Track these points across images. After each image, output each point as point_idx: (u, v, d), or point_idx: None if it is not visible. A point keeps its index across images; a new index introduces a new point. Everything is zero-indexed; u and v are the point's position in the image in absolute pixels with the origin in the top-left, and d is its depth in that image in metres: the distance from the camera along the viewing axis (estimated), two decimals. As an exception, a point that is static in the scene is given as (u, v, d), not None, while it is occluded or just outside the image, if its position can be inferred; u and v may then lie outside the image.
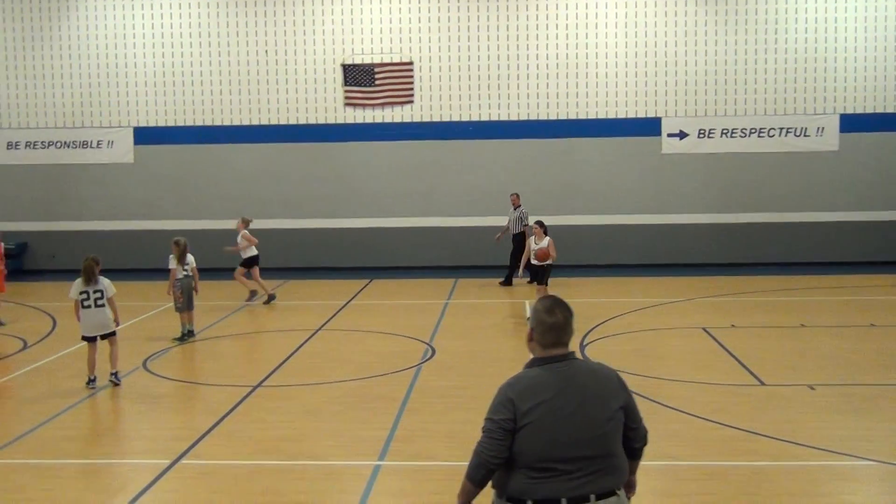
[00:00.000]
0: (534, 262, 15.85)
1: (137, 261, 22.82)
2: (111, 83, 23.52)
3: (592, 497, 4.27)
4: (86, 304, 11.81)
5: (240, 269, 18.61)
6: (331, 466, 8.73)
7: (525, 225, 19.87)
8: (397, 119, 23.18)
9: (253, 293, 18.60)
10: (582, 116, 22.91)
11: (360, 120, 23.20)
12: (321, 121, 23.25)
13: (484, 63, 22.93)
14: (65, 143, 23.70)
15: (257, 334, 15.57)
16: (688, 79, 22.76)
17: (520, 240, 19.60)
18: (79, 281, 11.80)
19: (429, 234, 23.11)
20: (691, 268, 22.35)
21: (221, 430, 9.90)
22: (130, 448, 9.61)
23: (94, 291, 11.80)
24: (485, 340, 14.64)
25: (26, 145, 23.73)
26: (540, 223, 16.14)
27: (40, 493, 8.14)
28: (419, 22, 22.98)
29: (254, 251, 18.59)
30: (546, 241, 15.79)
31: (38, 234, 23.46)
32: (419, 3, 22.96)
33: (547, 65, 22.83)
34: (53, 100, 23.67)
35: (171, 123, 23.46)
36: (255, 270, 18.59)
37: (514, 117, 23.00)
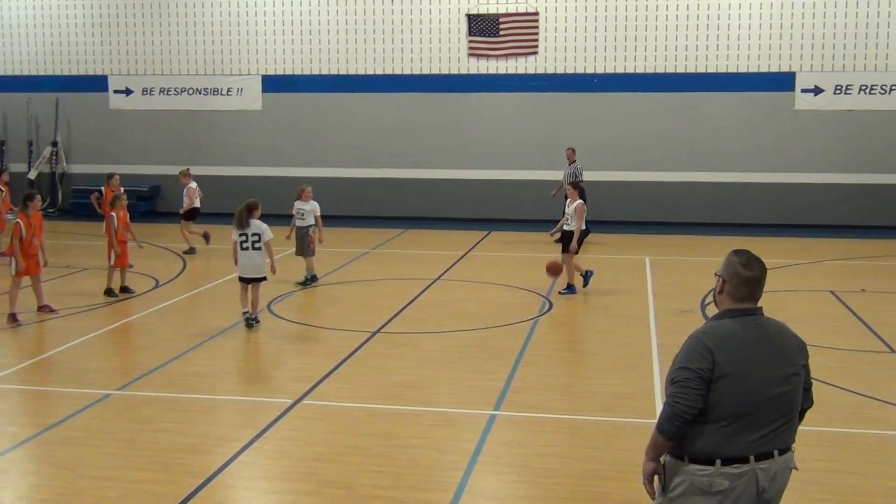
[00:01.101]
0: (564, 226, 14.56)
1: (263, 206, 23.28)
2: (241, 32, 24.00)
3: (776, 453, 4.24)
4: (243, 245, 12.20)
5: (184, 223, 18.62)
6: (447, 413, 8.84)
7: (579, 180, 19.66)
8: (521, 70, 22.96)
9: (206, 236, 18.70)
10: (711, 70, 22.23)
11: (483, 71, 23.08)
12: (444, 71, 23.23)
13: (611, 14, 22.43)
14: (196, 89, 24.37)
15: (377, 282, 15.80)
16: (825, 31, 21.78)
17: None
18: (234, 224, 12.22)
19: (549, 188, 22.91)
20: (821, 229, 21.55)
21: (341, 374, 10.13)
22: (254, 387, 9.93)
23: (252, 234, 12.15)
24: (603, 296, 14.48)
25: (160, 91, 24.50)
26: (575, 184, 14.90)
27: (170, 424, 8.51)
28: (546, -29, 22.61)
29: (196, 204, 18.75)
30: (575, 205, 14.20)
31: (170, 177, 24.25)
32: (547, -49, 22.58)
33: (676, 16, 22.18)
34: (186, 48, 24.32)
35: (297, 72, 23.82)
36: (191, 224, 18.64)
37: (639, 70, 22.49)
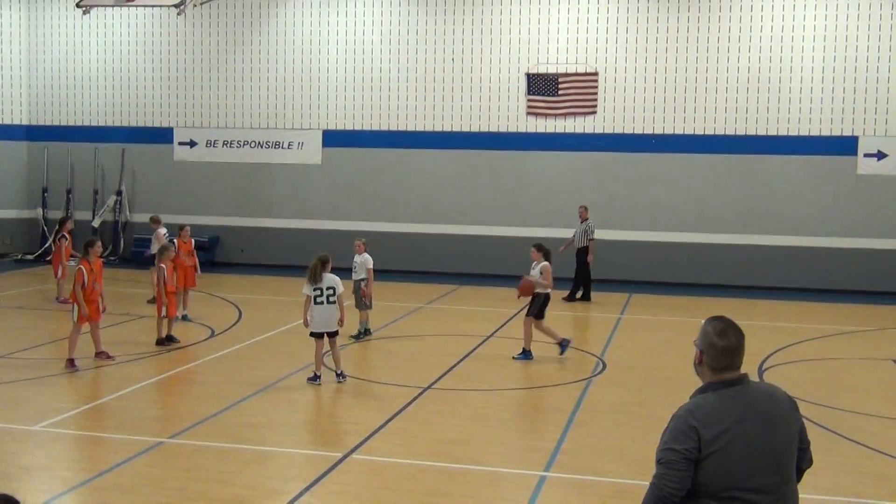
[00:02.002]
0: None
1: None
2: (304, 87, 24.46)
3: None
4: (318, 300, 12.13)
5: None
6: (496, 473, 8.74)
7: (590, 239, 19.81)
8: (579, 129, 23.02)
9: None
10: (771, 133, 22.07)
11: (541, 129, 23.19)
12: (503, 129, 23.39)
13: (671, 75, 22.46)
14: (258, 143, 24.82)
15: (430, 337, 15.79)
16: (889, 96, 21.53)
17: (584, 254, 19.84)
18: (308, 279, 12.22)
19: (607, 247, 22.79)
20: (883, 295, 21.09)
21: (392, 428, 10.09)
22: (305, 438, 9.93)
23: (327, 288, 12.15)
24: (658, 357, 14.30)
25: (223, 144, 24.99)
26: (538, 245, 13.97)
27: (220, 474, 8.53)
28: (606, 32, 22.75)
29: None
30: (539, 267, 13.61)
31: (230, 228, 24.65)
32: (607, 13, 22.74)
33: (737, 77, 22.11)
34: (250, 102, 24.83)
35: (358, 127, 24.16)
36: None
37: (699, 131, 22.41)
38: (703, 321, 4.30)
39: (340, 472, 8.64)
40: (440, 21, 23.58)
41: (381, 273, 22.88)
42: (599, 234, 22.58)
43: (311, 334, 12.29)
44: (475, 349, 14.58)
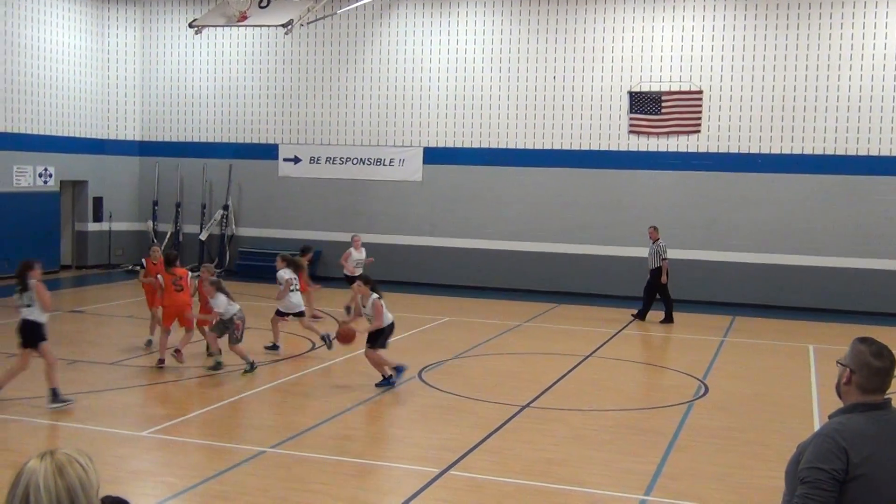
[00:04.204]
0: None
1: (419, 275, 23.78)
2: (406, 105, 24.72)
3: None
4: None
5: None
6: (596, 495, 8.62)
7: (662, 259, 19.20)
8: (682, 148, 22.69)
9: None
10: (884, 153, 21.35)
11: (643, 148, 22.93)
12: (604, 147, 23.20)
13: (778, 93, 21.94)
14: (360, 159, 25.16)
15: (529, 355, 15.71)
16: None
17: (656, 274, 19.19)
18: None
19: (709, 268, 22.39)
20: None
21: (489, 446, 10.05)
22: (403, 453, 9.96)
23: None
24: (763, 383, 13.93)
25: (326, 160, 25.42)
26: (365, 278, 12.85)
27: (320, 486, 8.62)
28: (711, 50, 22.39)
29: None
30: (370, 303, 12.49)
31: (331, 243, 25.01)
32: (712, 30, 22.38)
33: (848, 96, 21.48)
34: (353, 119, 25.22)
35: (458, 144, 24.29)
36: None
37: (807, 151, 21.82)
38: (852, 341, 4.15)
39: (438, 488, 8.64)
40: (542, 39, 23.56)
41: (479, 291, 23.01)
42: (702, 255, 22.23)
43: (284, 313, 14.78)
44: (574, 368, 14.43)
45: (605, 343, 16.82)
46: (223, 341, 13.77)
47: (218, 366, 13.59)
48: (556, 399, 12.36)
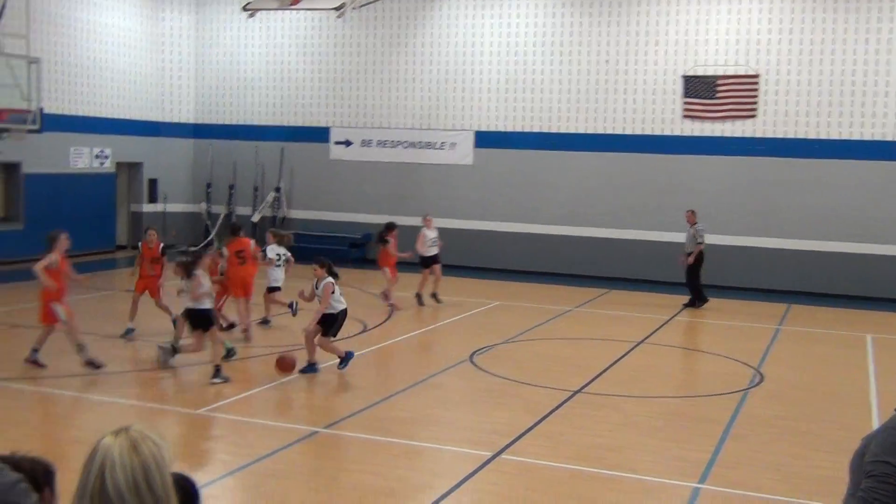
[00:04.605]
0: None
1: (470, 259, 23.74)
2: (458, 88, 24.65)
3: None
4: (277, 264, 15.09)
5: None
6: (649, 482, 8.55)
7: (698, 243, 18.90)
8: (737, 133, 22.34)
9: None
10: (947, 139, 20.84)
11: (697, 133, 22.62)
12: (657, 132, 22.93)
13: (836, 78, 21.48)
14: (411, 143, 25.16)
15: (580, 341, 15.62)
16: None
17: (697, 256, 18.98)
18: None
19: (764, 256, 22.06)
20: None
21: (541, 431, 10.02)
22: (454, 436, 9.96)
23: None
24: (819, 372, 13.72)
25: (378, 144, 25.46)
26: (320, 261, 12.26)
27: (371, 466, 8.66)
28: (768, 34, 21.98)
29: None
30: (323, 284, 12.01)
31: (381, 226, 25.02)
32: (769, 13, 21.97)
33: (910, 81, 20.98)
34: (405, 102, 25.21)
35: (510, 128, 24.17)
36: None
37: (866, 136, 21.37)
38: (872, 336, 4.02)
39: (489, 472, 8.63)
40: (595, 22, 23.32)
41: (530, 275, 22.93)
42: (756, 242, 21.93)
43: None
44: (626, 355, 14.32)
45: (657, 329, 16.66)
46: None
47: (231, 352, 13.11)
48: (608, 385, 12.28)
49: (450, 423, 10.52)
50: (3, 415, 10.02)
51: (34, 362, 11.98)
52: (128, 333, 14.16)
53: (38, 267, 11.90)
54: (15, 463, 2.93)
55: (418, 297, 18.11)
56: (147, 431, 2.46)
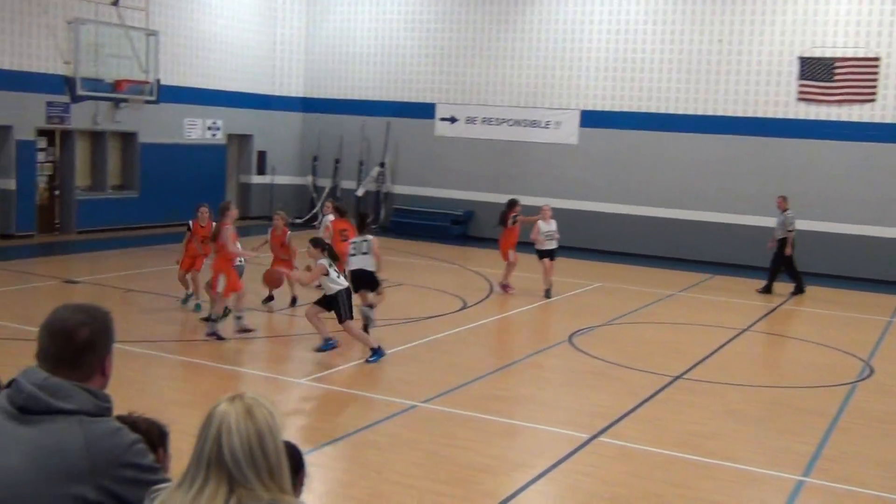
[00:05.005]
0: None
1: (572, 239, 23.54)
2: (564, 67, 24.41)
3: None
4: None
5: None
6: (749, 472, 8.39)
7: (789, 230, 18.35)
8: (854, 118, 21.56)
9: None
10: None
11: (812, 116, 21.92)
12: (770, 115, 22.30)
13: (965, 62, 20.52)
14: (516, 121, 25.06)
15: (682, 326, 15.38)
16: None
17: (783, 245, 18.49)
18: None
19: (878, 245, 21.29)
20: None
21: (640, 415, 9.93)
22: (552, 416, 9.94)
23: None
24: (933, 367, 13.21)
25: (482, 121, 25.45)
26: (317, 241, 11.77)
27: (469, 442, 8.72)
28: (891, 15, 21.11)
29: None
30: (319, 265, 11.48)
31: (484, 203, 25.07)
32: (894, -7, 21.09)
33: None
34: (510, 80, 25.10)
35: (616, 108, 23.84)
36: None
37: None
38: None
39: (587, 454, 8.60)
40: (708, 2, 22.75)
41: (631, 257, 22.65)
42: (872, 231, 21.23)
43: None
44: (729, 342, 14.05)
45: (762, 317, 16.30)
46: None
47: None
48: (710, 372, 12.08)
49: (548, 404, 10.51)
50: (116, 374, 10.41)
51: (244, 329, 12.48)
52: (187, 301, 14.12)
53: (228, 239, 12.33)
54: (132, 423, 3.05)
55: (547, 292, 16.76)
56: (260, 398, 2.53)
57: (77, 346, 2.85)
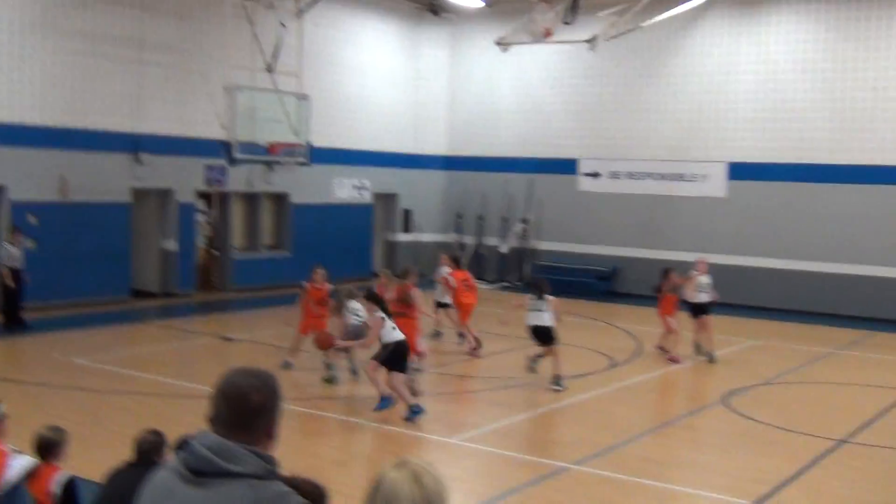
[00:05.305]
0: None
1: (723, 294, 22.91)
2: (711, 118, 23.97)
3: None
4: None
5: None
6: (929, 546, 7.88)
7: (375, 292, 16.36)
8: None
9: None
10: None
11: (980, 164, 20.76)
12: (932, 163, 21.26)
13: None
14: (661, 174, 24.70)
15: (843, 386, 14.67)
16: None
17: None
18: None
19: None
20: None
21: (805, 481, 9.47)
22: (711, 481, 9.59)
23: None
24: None
25: (627, 175, 25.21)
26: (370, 294, 11.83)
27: (624, 508, 8.52)
28: None
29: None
30: (372, 319, 11.42)
31: (630, 259, 24.74)
32: None
33: None
34: (654, 134, 24.80)
35: (766, 160, 23.20)
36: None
37: None
38: None
39: (749, 522, 8.25)
40: (860, 46, 21.97)
41: (786, 313, 21.78)
42: None
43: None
44: (896, 404, 13.31)
45: (931, 377, 15.38)
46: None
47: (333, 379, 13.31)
48: (878, 435, 11.43)
49: (706, 468, 10.16)
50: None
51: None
52: (286, 367, 13.67)
53: (419, 298, 13.11)
54: (296, 486, 3.10)
55: (696, 347, 16.10)
56: (425, 465, 2.54)
57: (250, 410, 2.93)
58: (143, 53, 20.53)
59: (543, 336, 13.31)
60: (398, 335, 11.22)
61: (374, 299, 11.50)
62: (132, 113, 20.41)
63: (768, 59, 23.15)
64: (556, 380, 13.12)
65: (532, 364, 13.59)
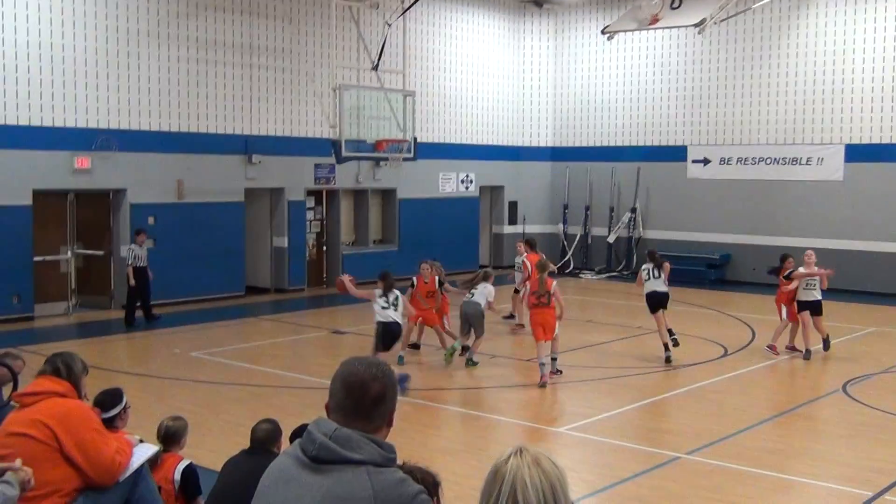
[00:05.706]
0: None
1: (841, 281, 22.15)
2: (826, 100, 23.21)
3: None
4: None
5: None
6: None
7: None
8: None
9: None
10: None
11: None
12: None
13: None
14: (774, 159, 24.04)
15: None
16: None
17: None
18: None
19: None
20: None
21: (930, 472, 9.12)
22: (830, 471, 9.32)
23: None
24: None
25: (737, 161, 24.61)
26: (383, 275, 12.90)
27: (739, 498, 8.35)
28: None
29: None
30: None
31: (741, 246, 24.18)
32: None
33: None
34: (766, 117, 24.15)
35: (886, 140, 22.35)
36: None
37: None
38: None
39: (872, 513, 8.00)
40: None
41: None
42: None
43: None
44: None
45: None
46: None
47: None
48: None
49: (825, 457, 9.86)
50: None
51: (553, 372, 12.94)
52: (399, 362, 13.55)
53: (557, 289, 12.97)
54: (409, 472, 3.14)
55: (806, 352, 14.71)
56: (541, 451, 2.55)
57: (371, 399, 2.98)
58: (253, 58, 21.09)
59: (662, 301, 14.27)
60: (388, 316, 12.13)
61: (383, 277, 12.63)
62: (244, 115, 21.00)
63: (886, 37, 22.29)
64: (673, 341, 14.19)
65: (674, 339, 14.23)
